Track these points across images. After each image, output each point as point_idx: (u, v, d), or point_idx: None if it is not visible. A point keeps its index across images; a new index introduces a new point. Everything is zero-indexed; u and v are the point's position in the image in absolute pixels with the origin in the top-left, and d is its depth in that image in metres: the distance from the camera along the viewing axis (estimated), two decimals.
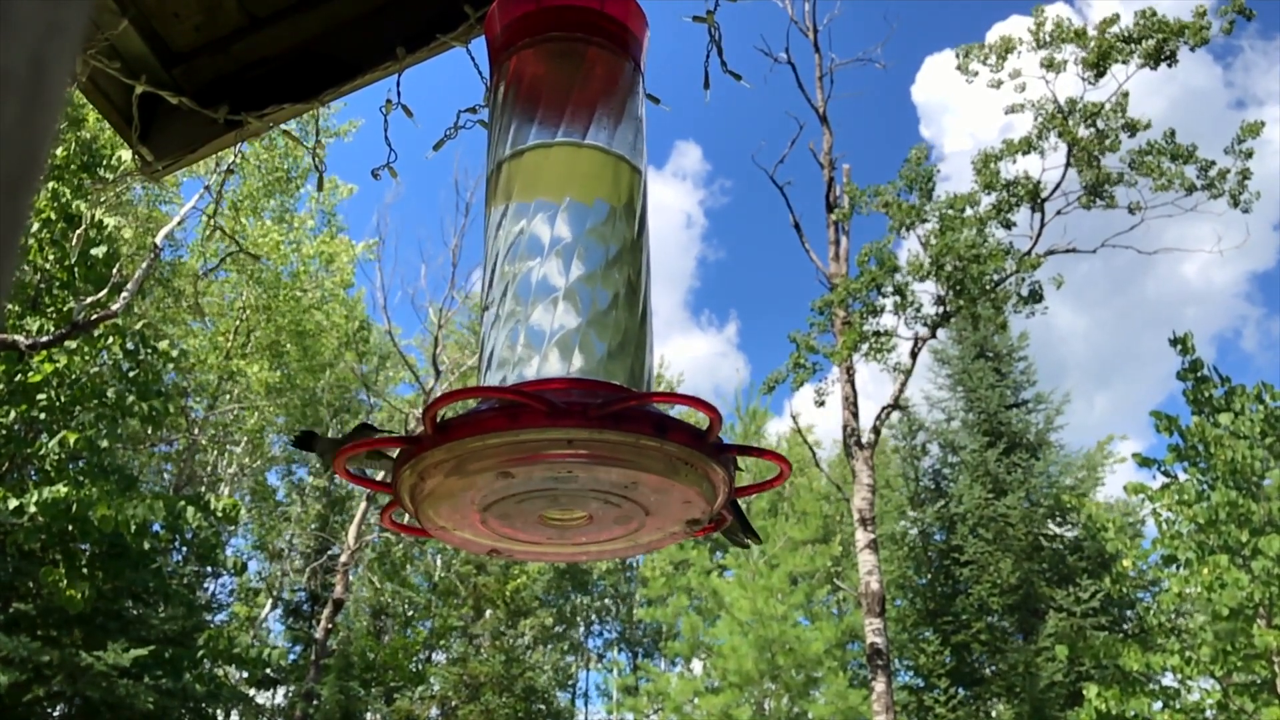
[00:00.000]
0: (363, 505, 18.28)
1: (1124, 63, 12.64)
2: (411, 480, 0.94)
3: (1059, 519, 18.63)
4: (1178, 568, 9.24)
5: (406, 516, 1.03)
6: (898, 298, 13.07)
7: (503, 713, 19.11)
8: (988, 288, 12.85)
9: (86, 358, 8.55)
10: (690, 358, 49.90)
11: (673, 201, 50.62)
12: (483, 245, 1.13)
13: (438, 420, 0.90)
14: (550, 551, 1.09)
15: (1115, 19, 12.67)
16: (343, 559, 18.13)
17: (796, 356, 13.21)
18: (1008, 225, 13.06)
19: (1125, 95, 12.79)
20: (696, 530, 1.04)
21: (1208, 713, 9.22)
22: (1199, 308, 48.23)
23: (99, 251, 8.73)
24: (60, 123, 0.31)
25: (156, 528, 8.62)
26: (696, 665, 20.78)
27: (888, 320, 13.29)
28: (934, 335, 13.50)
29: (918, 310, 13.13)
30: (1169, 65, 12.45)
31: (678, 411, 1.22)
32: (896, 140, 51.06)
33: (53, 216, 8.63)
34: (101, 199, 10.85)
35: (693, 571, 19.89)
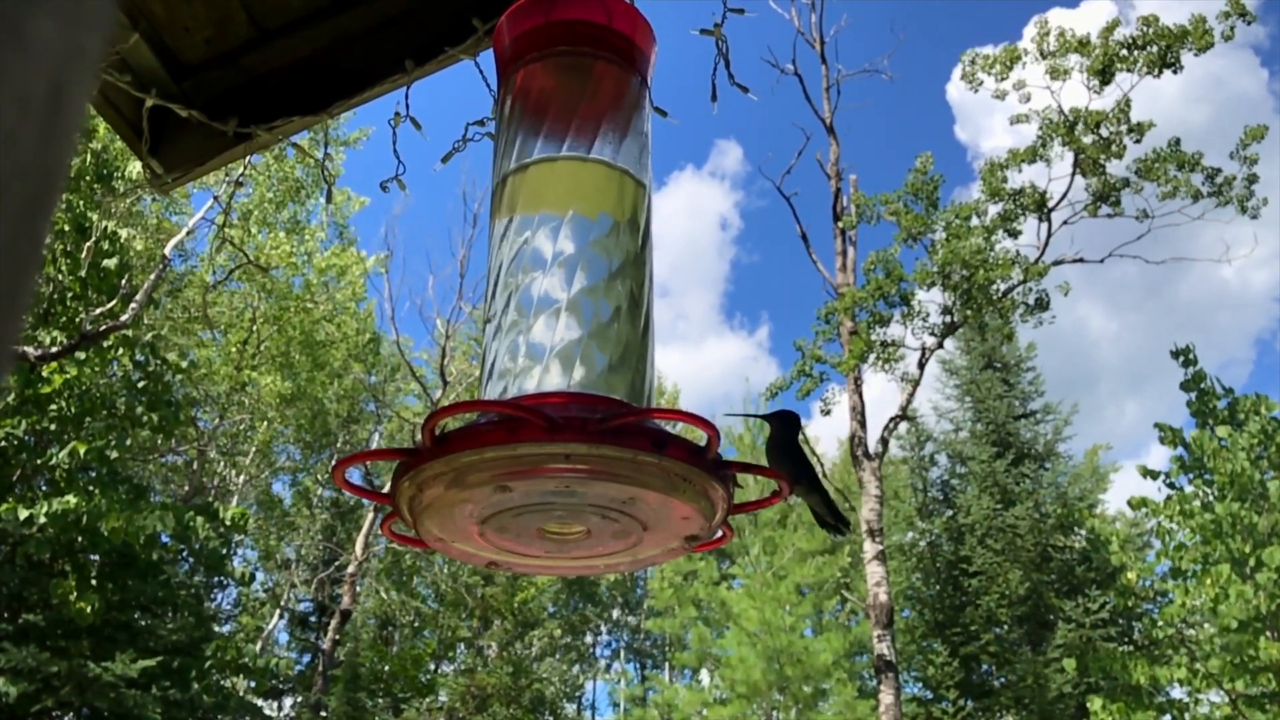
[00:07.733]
0: (370, 515, 18.26)
1: (1129, 70, 12.61)
2: (410, 492, 0.94)
3: (1068, 530, 18.53)
4: (1183, 580, 9.20)
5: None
6: (904, 306, 13.03)
7: None
8: (995, 297, 12.81)
9: (96, 369, 8.56)
10: (722, 361, 49.55)
11: (709, 204, 50.18)
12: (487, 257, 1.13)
13: (437, 433, 0.91)
14: (549, 565, 1.09)
15: (1116, 24, 12.65)
16: (350, 569, 18.13)
17: (801, 365, 13.18)
18: (1014, 234, 13.02)
19: (1129, 102, 12.75)
20: (695, 546, 1.03)
21: None
22: (1236, 311, 47.69)
23: (111, 263, 8.76)
24: (77, 143, 0.31)
25: (165, 538, 8.62)
26: (704, 676, 20.74)
27: (895, 330, 13.27)
28: (941, 345, 13.45)
29: (925, 319, 13.10)
30: (1174, 72, 12.42)
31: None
32: (929, 144, 50.83)
33: (66, 228, 8.66)
34: (113, 210, 10.89)
35: (700, 582, 19.86)
